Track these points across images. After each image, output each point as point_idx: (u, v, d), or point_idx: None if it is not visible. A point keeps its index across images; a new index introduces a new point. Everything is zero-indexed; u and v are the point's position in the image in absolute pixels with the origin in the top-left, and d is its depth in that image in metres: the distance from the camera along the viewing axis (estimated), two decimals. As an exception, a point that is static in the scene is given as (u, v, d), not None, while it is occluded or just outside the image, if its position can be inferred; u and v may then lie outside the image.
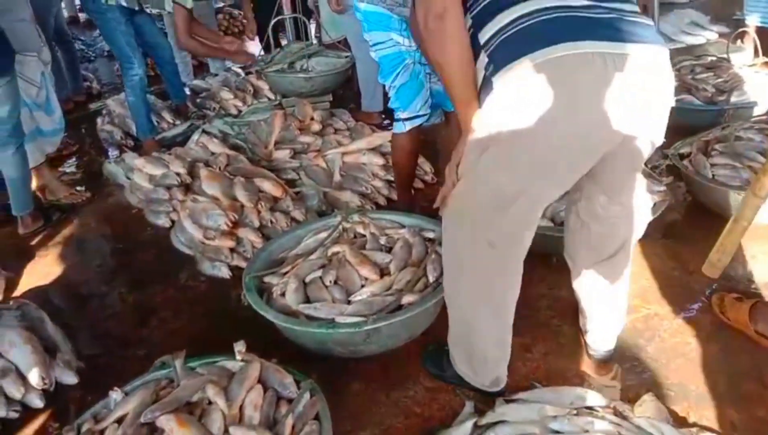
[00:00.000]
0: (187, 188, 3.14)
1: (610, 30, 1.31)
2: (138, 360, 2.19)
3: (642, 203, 1.72)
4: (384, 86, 2.60)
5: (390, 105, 2.65)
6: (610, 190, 1.62)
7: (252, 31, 5.02)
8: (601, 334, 1.93)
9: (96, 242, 3.19)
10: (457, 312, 1.76)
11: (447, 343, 1.87)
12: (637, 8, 1.41)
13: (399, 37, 2.44)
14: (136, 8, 3.68)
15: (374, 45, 2.49)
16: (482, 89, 1.42)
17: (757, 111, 3.36)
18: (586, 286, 1.85)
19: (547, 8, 1.32)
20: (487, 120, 1.42)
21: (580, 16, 1.32)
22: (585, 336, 1.99)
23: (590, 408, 1.71)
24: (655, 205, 2.41)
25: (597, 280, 1.80)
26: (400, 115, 2.60)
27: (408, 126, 2.60)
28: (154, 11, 3.82)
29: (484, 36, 1.38)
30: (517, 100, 1.35)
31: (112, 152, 4.25)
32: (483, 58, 1.40)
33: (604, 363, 1.97)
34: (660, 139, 1.50)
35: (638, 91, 1.34)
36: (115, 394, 1.73)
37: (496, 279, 1.62)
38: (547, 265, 2.32)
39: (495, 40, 1.36)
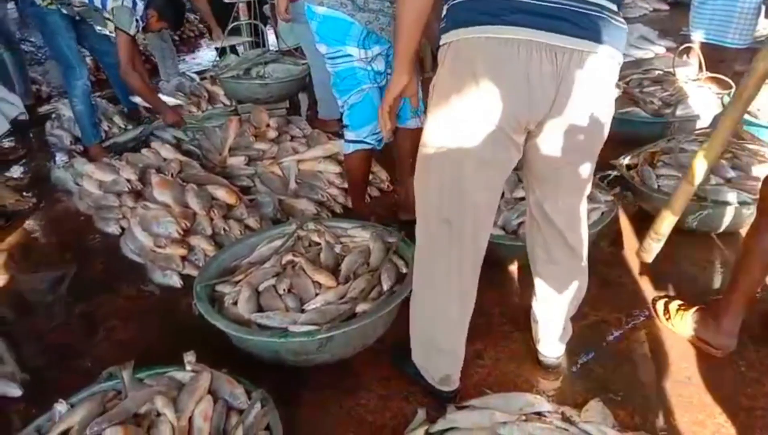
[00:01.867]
0: (137, 195, 3.09)
1: (559, 22, 1.33)
2: (85, 371, 2.13)
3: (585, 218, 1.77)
4: None
5: (342, 120, 2.66)
6: (555, 191, 1.65)
7: (218, 36, 4.94)
8: (549, 340, 1.97)
9: (42, 250, 3.10)
10: (416, 294, 1.80)
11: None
12: (612, 5, 1.38)
13: (355, 48, 2.38)
14: (77, 18, 3.61)
15: (328, 58, 2.47)
16: (440, 37, 1.48)
17: (701, 124, 3.49)
18: (539, 289, 1.88)
19: None
20: (435, 86, 1.51)
21: (534, 2, 1.34)
22: (535, 343, 2.02)
23: (539, 414, 1.75)
24: (603, 214, 2.48)
25: (548, 284, 1.84)
26: (349, 135, 2.61)
27: (352, 148, 2.62)
28: (98, 28, 3.74)
29: None
30: (452, 68, 1.44)
31: (61, 157, 4.15)
32: (444, 7, 1.46)
33: (554, 369, 2.01)
34: (597, 144, 1.55)
35: (572, 85, 1.38)
36: (61, 407, 1.68)
37: (453, 257, 1.64)
38: (499, 272, 2.36)
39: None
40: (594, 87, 1.42)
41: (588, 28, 1.34)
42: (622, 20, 1.41)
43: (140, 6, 3.57)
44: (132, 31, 3.57)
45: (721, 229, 2.66)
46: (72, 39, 3.63)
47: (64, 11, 3.53)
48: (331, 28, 2.38)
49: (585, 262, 1.82)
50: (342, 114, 2.62)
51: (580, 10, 1.34)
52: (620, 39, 1.41)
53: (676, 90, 3.75)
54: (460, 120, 1.46)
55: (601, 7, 1.36)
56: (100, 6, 3.54)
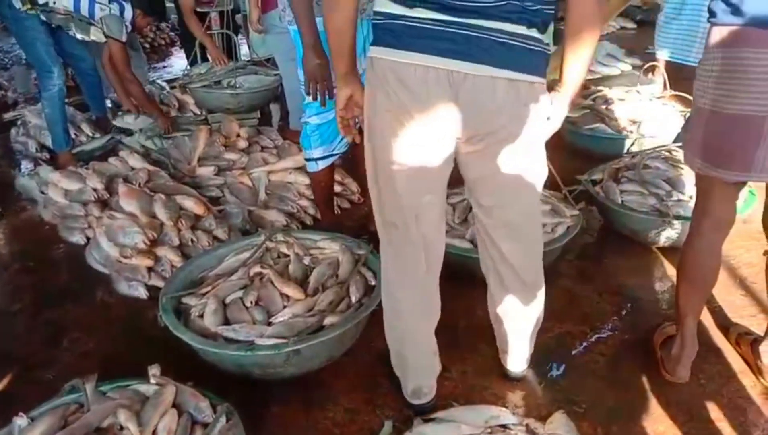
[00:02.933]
0: (104, 204, 3.05)
1: (464, 47, 1.39)
2: (46, 384, 2.09)
3: (536, 238, 1.78)
4: None
5: (302, 142, 2.66)
6: (491, 209, 1.67)
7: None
8: (511, 355, 1.99)
9: (5, 259, 3.04)
10: (383, 303, 1.83)
11: None
12: (518, 30, 1.41)
13: None
14: (53, 25, 3.59)
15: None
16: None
17: (664, 140, 3.57)
18: (493, 306, 1.90)
19: (429, 19, 1.40)
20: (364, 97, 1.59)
21: (438, 29, 1.40)
22: (501, 356, 2.04)
23: (504, 426, 1.77)
24: (568, 228, 2.52)
25: (502, 300, 1.85)
26: (312, 154, 2.61)
27: (321, 165, 2.63)
28: (78, 36, 3.72)
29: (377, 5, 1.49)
30: (370, 82, 1.52)
31: (26, 165, 4.09)
32: (372, 18, 1.52)
33: (518, 381, 2.04)
34: (521, 159, 1.57)
35: (472, 105, 1.44)
36: (20, 421, 1.64)
37: (407, 260, 1.69)
38: (465, 285, 2.38)
39: (380, 19, 1.47)
40: (500, 108, 1.45)
41: (484, 53, 1.39)
42: (538, 43, 1.44)
43: (128, 12, 3.62)
44: (123, 38, 3.65)
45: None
46: (50, 44, 3.62)
47: (43, 18, 3.49)
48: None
49: (534, 284, 1.82)
50: (305, 132, 2.61)
51: (476, 34, 1.39)
52: (529, 62, 1.44)
53: (641, 107, 3.84)
54: (381, 132, 1.55)
55: (507, 34, 1.40)
56: (87, 15, 3.55)
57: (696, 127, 1.74)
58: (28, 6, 3.46)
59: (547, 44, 1.47)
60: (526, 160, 1.58)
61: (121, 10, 3.63)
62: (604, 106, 3.91)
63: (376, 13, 1.48)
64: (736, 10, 1.55)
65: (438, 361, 1.92)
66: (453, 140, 1.53)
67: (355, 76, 1.65)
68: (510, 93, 1.43)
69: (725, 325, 2.28)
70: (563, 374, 2.09)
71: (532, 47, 1.42)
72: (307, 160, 2.68)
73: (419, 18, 1.40)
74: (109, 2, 3.62)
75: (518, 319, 1.88)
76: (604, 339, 2.26)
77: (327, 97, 2.28)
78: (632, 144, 3.59)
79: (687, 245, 1.93)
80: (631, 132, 3.66)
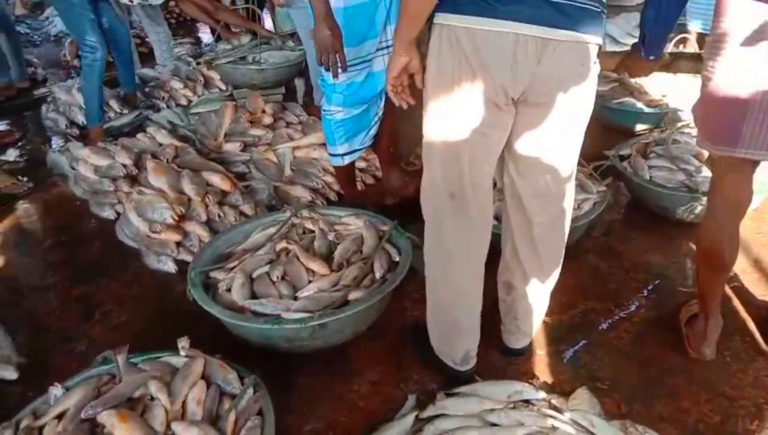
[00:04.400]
0: (133, 180, 3.09)
1: (549, 13, 1.39)
2: (80, 355, 2.17)
3: (566, 211, 1.77)
4: None
5: (326, 136, 2.65)
6: (530, 170, 1.67)
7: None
8: (514, 329, 1.99)
9: (38, 234, 3.11)
10: (431, 276, 1.83)
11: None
12: None
13: (372, 47, 2.38)
14: None
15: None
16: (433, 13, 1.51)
17: (695, 115, 3.50)
18: (504, 275, 1.92)
19: None
20: (428, 69, 1.57)
21: None
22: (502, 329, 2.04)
23: (527, 401, 1.78)
24: (594, 204, 2.50)
25: (514, 273, 1.86)
26: (337, 150, 2.61)
27: (347, 160, 2.64)
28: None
29: None
30: (440, 51, 1.50)
31: (57, 141, 4.15)
32: None
33: (519, 357, 2.04)
34: (575, 124, 1.59)
35: (549, 67, 1.45)
36: (56, 390, 1.70)
37: (462, 229, 1.70)
38: (490, 261, 2.38)
39: None
40: (570, 71, 1.49)
41: (565, 17, 1.41)
42: (601, 5, 1.46)
43: None
44: None
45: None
46: (94, 19, 3.67)
47: None
48: (356, 20, 2.33)
49: (551, 264, 1.83)
50: (329, 127, 2.59)
51: (565, 2, 1.40)
52: (599, 24, 1.47)
53: (671, 80, 3.76)
54: (446, 102, 1.54)
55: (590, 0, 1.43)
56: None
57: (698, 101, 1.72)
58: None
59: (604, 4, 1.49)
60: (575, 125, 1.60)
61: None
62: (633, 80, 3.84)
63: None
64: None
65: None
66: (515, 106, 1.54)
67: (415, 44, 1.63)
68: (585, 56, 1.47)
69: (752, 302, 2.26)
70: (583, 350, 2.09)
71: (601, 10, 1.46)
72: (332, 155, 2.69)
73: None
74: None
75: (528, 295, 1.88)
76: (629, 316, 2.25)
77: (339, 69, 2.26)
78: (662, 118, 3.52)
79: (702, 225, 1.91)
80: (661, 106, 3.59)
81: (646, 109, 3.59)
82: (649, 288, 2.39)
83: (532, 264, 1.82)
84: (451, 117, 1.56)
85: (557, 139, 1.60)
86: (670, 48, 3.99)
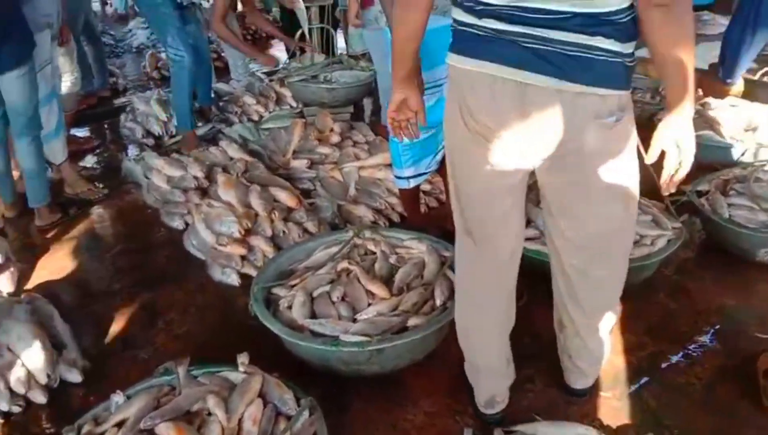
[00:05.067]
0: (203, 192, 3.17)
1: (529, 58, 1.33)
2: (141, 362, 2.21)
3: (618, 265, 1.68)
4: None
5: (392, 158, 2.63)
6: (568, 224, 1.60)
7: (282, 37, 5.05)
8: (572, 368, 1.92)
9: (110, 240, 3.22)
10: (456, 310, 1.82)
11: None
12: (592, 41, 1.30)
13: (444, 72, 2.26)
14: (185, 3, 3.78)
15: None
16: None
17: (780, 151, 3.33)
18: (558, 313, 1.84)
19: (496, 29, 1.36)
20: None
21: (506, 39, 1.35)
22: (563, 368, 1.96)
23: (589, 446, 1.71)
24: (669, 241, 2.40)
25: (564, 311, 1.79)
26: (403, 172, 2.58)
27: (413, 183, 2.62)
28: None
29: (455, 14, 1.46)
30: (449, 89, 1.54)
31: (133, 150, 4.30)
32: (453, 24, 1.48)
33: (580, 398, 1.96)
34: (602, 173, 1.47)
35: (544, 118, 1.38)
36: (117, 397, 1.74)
37: (477, 268, 1.69)
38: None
39: (455, 26, 1.46)
40: (568, 121, 1.38)
41: (549, 65, 1.32)
42: (613, 54, 1.32)
43: None
44: None
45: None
46: (182, 29, 3.83)
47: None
48: (436, 45, 2.27)
49: (597, 312, 1.75)
50: (396, 150, 2.56)
51: (543, 47, 1.32)
52: (600, 74, 1.33)
53: (757, 113, 3.59)
54: (459, 148, 1.56)
55: (578, 46, 1.31)
56: None
57: None
58: None
59: (629, 54, 1.34)
60: (603, 178, 1.48)
61: None
62: (712, 112, 3.69)
63: (453, 20, 1.46)
64: None
65: (512, 369, 1.88)
66: (526, 158, 1.48)
67: (411, 82, 1.68)
68: (577, 106, 1.36)
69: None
70: (650, 393, 1.99)
71: (607, 59, 1.32)
72: (398, 177, 2.67)
73: (487, 27, 1.37)
74: None
75: (580, 334, 1.79)
76: (699, 361, 2.14)
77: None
78: (743, 154, 3.36)
79: None
80: (742, 140, 3.43)
81: (726, 143, 3.43)
82: (722, 332, 2.26)
83: (576, 307, 1.74)
84: (461, 164, 1.58)
85: (593, 198, 1.51)
86: (757, 76, 3.83)
